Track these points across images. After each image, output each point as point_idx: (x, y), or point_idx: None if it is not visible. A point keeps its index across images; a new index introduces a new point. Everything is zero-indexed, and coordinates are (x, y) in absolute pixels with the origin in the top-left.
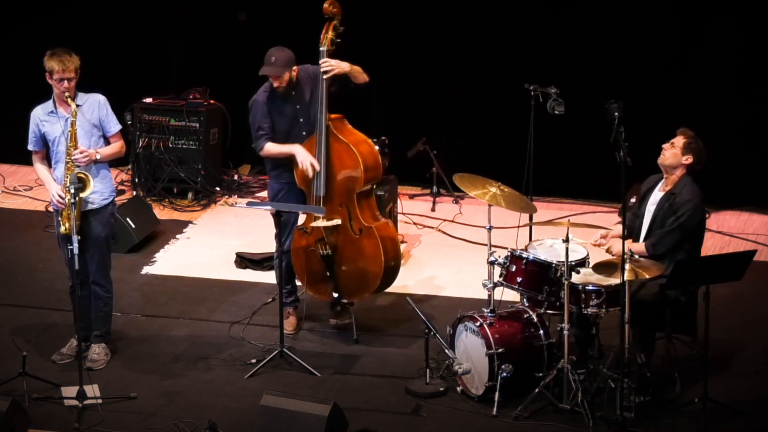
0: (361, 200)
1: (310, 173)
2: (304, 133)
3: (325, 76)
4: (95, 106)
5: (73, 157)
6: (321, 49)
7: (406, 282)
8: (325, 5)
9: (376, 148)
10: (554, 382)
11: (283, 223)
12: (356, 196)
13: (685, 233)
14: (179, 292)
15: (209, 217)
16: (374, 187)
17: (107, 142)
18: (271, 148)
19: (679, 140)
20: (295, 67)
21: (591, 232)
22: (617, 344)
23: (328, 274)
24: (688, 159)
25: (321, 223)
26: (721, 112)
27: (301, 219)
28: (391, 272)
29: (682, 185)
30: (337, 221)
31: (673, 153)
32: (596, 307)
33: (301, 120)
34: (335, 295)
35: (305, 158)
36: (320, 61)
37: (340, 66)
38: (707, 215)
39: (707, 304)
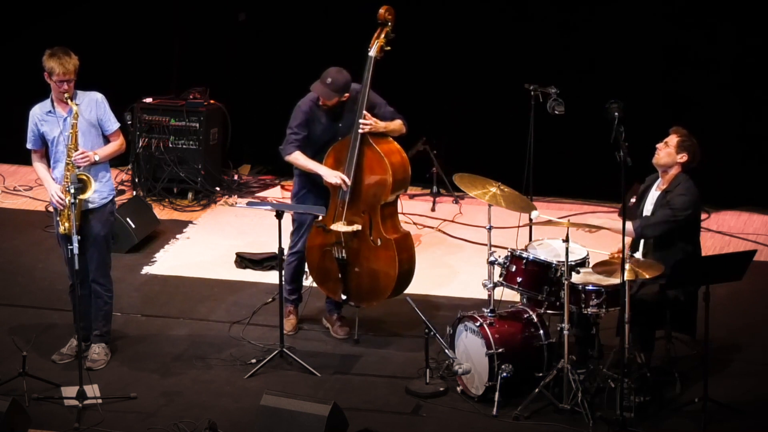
0: (384, 211)
1: (345, 187)
2: None
3: (360, 131)
4: (93, 104)
5: (72, 159)
6: (369, 54)
7: None
8: (381, 10)
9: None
10: (554, 382)
11: (298, 224)
12: (380, 207)
13: (676, 220)
14: (179, 292)
15: (209, 217)
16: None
17: (106, 140)
18: (298, 158)
19: (673, 139)
20: (347, 94)
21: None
22: (617, 344)
23: (339, 276)
24: (682, 157)
25: (341, 227)
26: (722, 112)
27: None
28: (402, 283)
29: (677, 183)
30: (358, 227)
31: (668, 152)
32: (596, 307)
33: (340, 138)
34: (344, 297)
35: (332, 176)
36: (360, 121)
37: (377, 126)
38: (707, 215)
39: (707, 304)
